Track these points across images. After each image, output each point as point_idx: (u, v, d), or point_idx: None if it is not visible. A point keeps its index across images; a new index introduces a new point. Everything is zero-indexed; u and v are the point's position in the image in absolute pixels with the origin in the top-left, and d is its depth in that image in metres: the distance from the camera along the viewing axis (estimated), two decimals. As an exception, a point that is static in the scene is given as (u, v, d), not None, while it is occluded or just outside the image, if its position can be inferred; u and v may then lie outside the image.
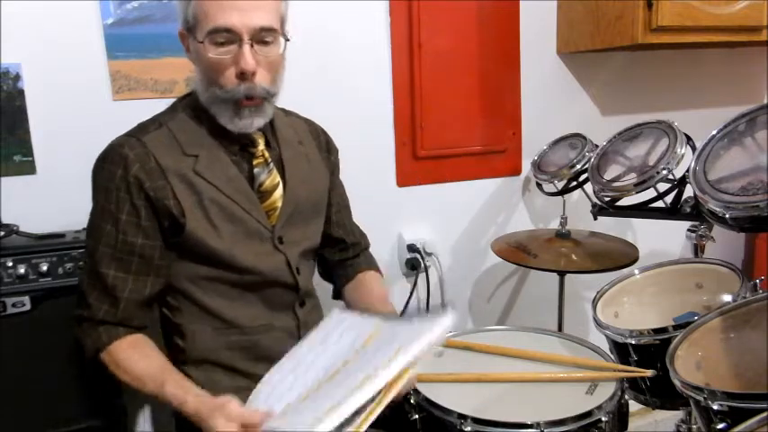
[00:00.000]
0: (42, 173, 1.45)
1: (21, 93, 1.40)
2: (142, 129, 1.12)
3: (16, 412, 1.21)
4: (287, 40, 1.08)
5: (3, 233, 1.28)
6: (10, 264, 1.20)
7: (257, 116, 1.09)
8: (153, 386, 1.04)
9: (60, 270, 1.22)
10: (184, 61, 1.54)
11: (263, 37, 1.04)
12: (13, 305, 1.19)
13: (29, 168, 1.44)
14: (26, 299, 1.20)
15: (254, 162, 1.15)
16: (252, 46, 1.02)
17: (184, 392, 1.00)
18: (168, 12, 1.51)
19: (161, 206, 1.07)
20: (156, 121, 1.13)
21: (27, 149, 1.43)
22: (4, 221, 1.33)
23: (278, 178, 1.17)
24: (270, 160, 1.17)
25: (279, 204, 1.16)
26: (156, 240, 1.09)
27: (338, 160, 1.36)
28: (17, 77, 1.40)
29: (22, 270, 1.20)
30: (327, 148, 1.33)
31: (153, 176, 1.06)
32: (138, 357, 1.07)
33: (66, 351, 1.23)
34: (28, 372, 1.21)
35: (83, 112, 1.46)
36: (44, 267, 1.21)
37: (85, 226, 1.40)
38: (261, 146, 1.16)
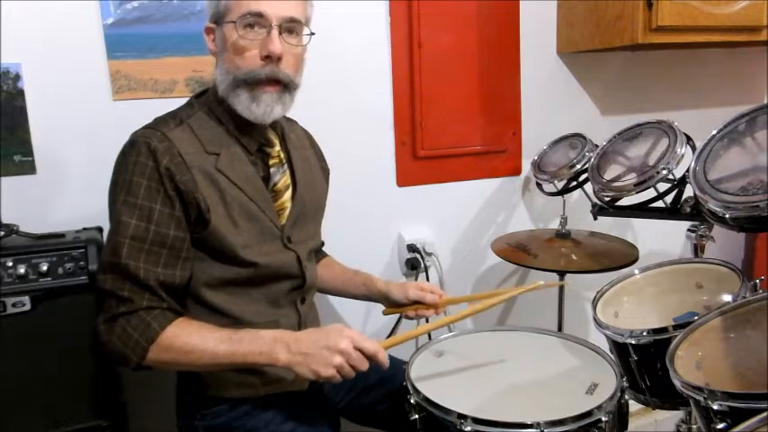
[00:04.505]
0: (42, 173, 1.45)
1: (21, 93, 1.40)
2: (163, 123, 1.11)
3: (16, 412, 1.21)
4: (312, 33, 1.14)
5: (3, 233, 1.28)
6: (10, 264, 1.20)
7: (276, 104, 1.11)
8: (227, 348, 1.02)
9: (60, 270, 1.22)
10: (184, 61, 1.56)
11: (290, 27, 1.10)
12: (13, 305, 1.19)
13: (29, 168, 1.43)
14: (26, 299, 1.20)
15: (271, 162, 1.19)
16: (280, 33, 1.08)
17: (272, 332, 1.05)
18: (168, 12, 1.50)
19: (191, 199, 1.07)
20: (176, 117, 1.13)
21: (27, 149, 1.43)
22: (4, 221, 1.33)
23: (290, 179, 1.22)
24: (284, 161, 1.21)
25: (288, 205, 1.20)
26: (185, 233, 1.08)
27: (329, 172, 1.41)
28: (17, 77, 1.40)
29: (22, 270, 1.20)
30: (322, 158, 1.39)
31: (181, 170, 1.07)
32: (196, 330, 1.05)
33: (67, 351, 1.23)
34: (28, 372, 1.21)
35: (83, 112, 1.46)
36: (44, 267, 1.21)
37: (86, 226, 1.43)
38: (277, 146, 1.20)
